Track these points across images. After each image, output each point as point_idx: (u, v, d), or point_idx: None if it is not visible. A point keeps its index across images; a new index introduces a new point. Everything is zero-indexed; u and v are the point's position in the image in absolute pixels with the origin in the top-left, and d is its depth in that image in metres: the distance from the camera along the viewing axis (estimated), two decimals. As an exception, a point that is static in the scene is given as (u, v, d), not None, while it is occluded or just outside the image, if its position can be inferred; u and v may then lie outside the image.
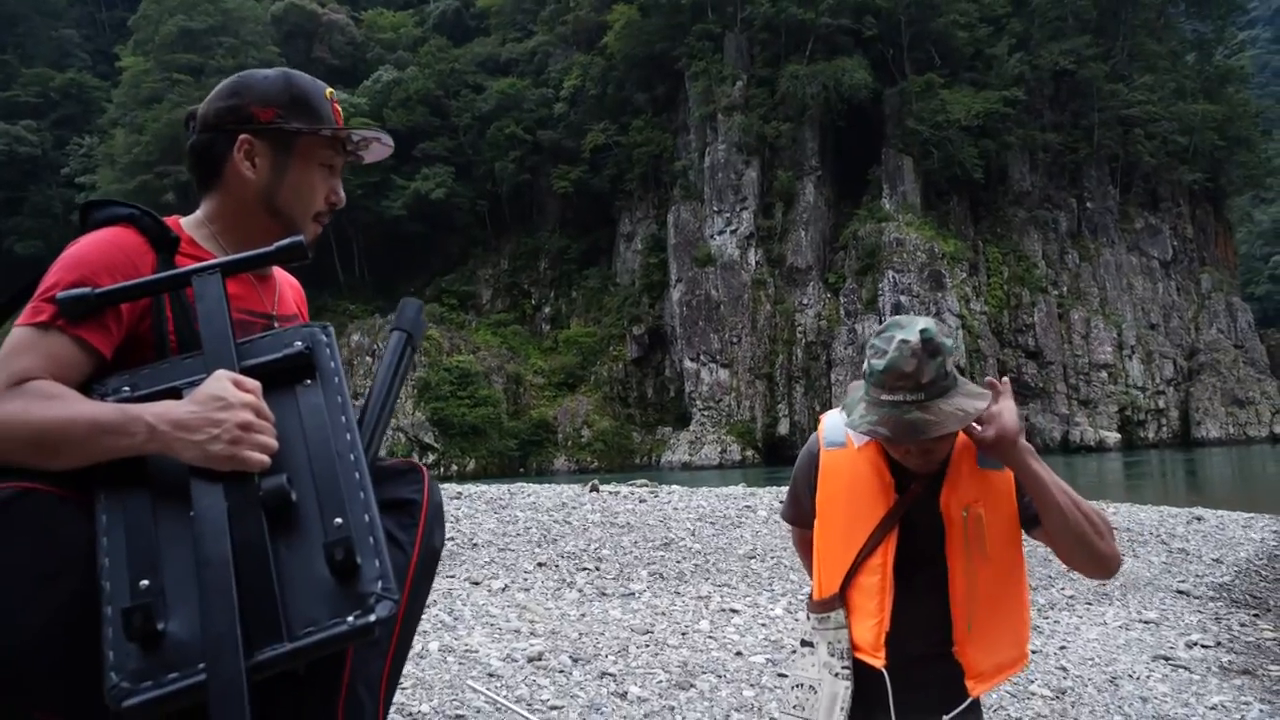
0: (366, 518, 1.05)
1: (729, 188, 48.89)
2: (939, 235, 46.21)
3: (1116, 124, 49.58)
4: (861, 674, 1.88)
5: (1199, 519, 13.21)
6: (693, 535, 8.65)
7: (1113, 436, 44.42)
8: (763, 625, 5.98)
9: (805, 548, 2.13)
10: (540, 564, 7.10)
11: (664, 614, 6.02)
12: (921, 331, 1.69)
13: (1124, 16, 51.37)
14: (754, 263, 48.30)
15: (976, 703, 1.91)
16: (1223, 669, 6.13)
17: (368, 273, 55.68)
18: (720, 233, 48.59)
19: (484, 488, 11.96)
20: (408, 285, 52.86)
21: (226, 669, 0.93)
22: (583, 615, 5.78)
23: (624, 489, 12.09)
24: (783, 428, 46.23)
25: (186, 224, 1.40)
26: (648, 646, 5.17)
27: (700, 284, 47.78)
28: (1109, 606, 7.96)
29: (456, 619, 5.33)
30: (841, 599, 1.89)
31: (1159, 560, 10.08)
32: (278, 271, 1.52)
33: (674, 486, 13.33)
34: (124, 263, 1.24)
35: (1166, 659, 6.26)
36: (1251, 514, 14.40)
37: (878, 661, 1.84)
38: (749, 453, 44.42)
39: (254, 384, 1.12)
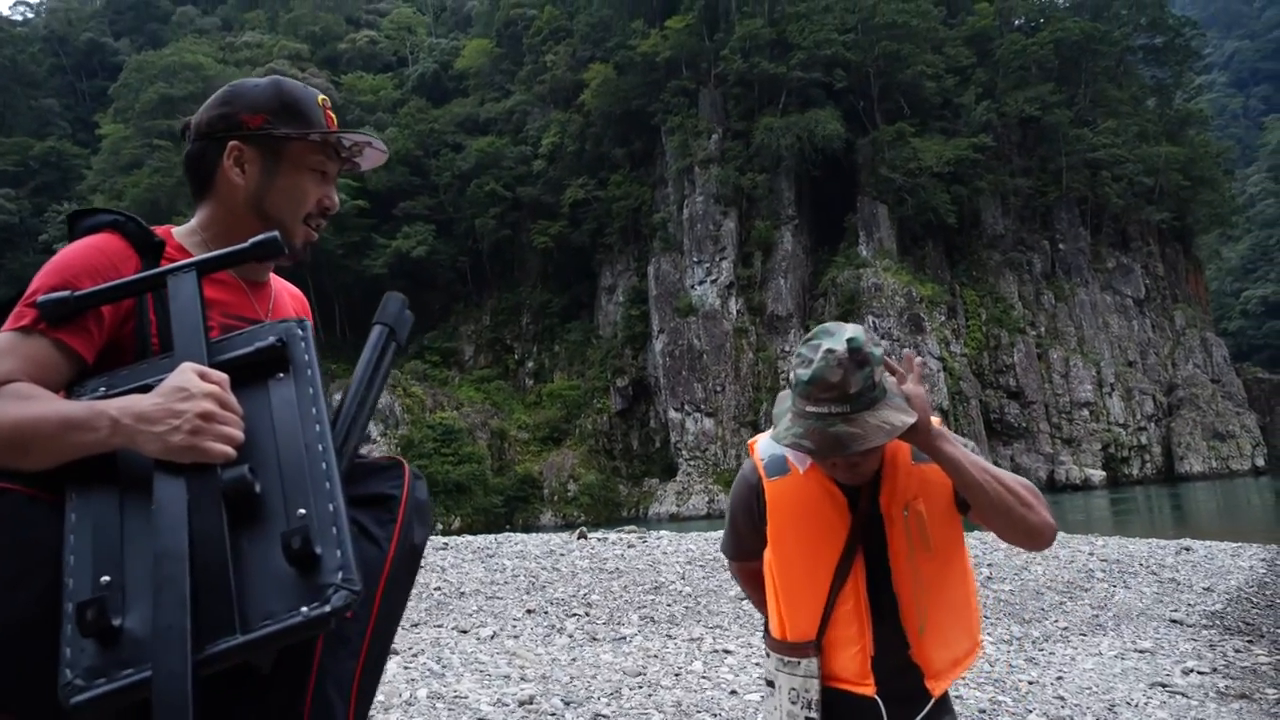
0: (331, 507, 1.02)
1: (708, 238, 49.48)
2: (916, 279, 46.84)
3: (1083, 167, 50.85)
4: (841, 709, 1.78)
5: (1188, 549, 13.23)
6: (683, 578, 8.56)
7: (1098, 474, 44.58)
8: (756, 664, 5.89)
9: (752, 581, 2.02)
10: (529, 610, 6.99)
11: (656, 656, 5.92)
12: (849, 341, 1.63)
13: (1084, 64, 53.04)
14: (735, 311, 48.66)
15: (946, 699, 1.86)
16: (1220, 694, 6.08)
17: (349, 332, 55.60)
18: (701, 283, 49.03)
19: (471, 538, 11.81)
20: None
21: (172, 661, 0.90)
22: (574, 659, 5.68)
23: (612, 535, 11.98)
24: (769, 475, 46.03)
25: (178, 233, 1.40)
26: (641, 688, 5.08)
27: (682, 334, 48.02)
28: (1103, 637, 7.92)
29: (445, 666, 5.22)
30: (817, 645, 1.78)
31: (1150, 590, 10.06)
32: (277, 281, 1.52)
33: (662, 531, 13.22)
34: (106, 267, 1.24)
35: (1164, 686, 6.21)
36: (1239, 543, 14.43)
37: (867, 689, 1.76)
38: (737, 501, 44.15)
39: (220, 376, 1.10)
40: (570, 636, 6.32)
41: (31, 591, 1.02)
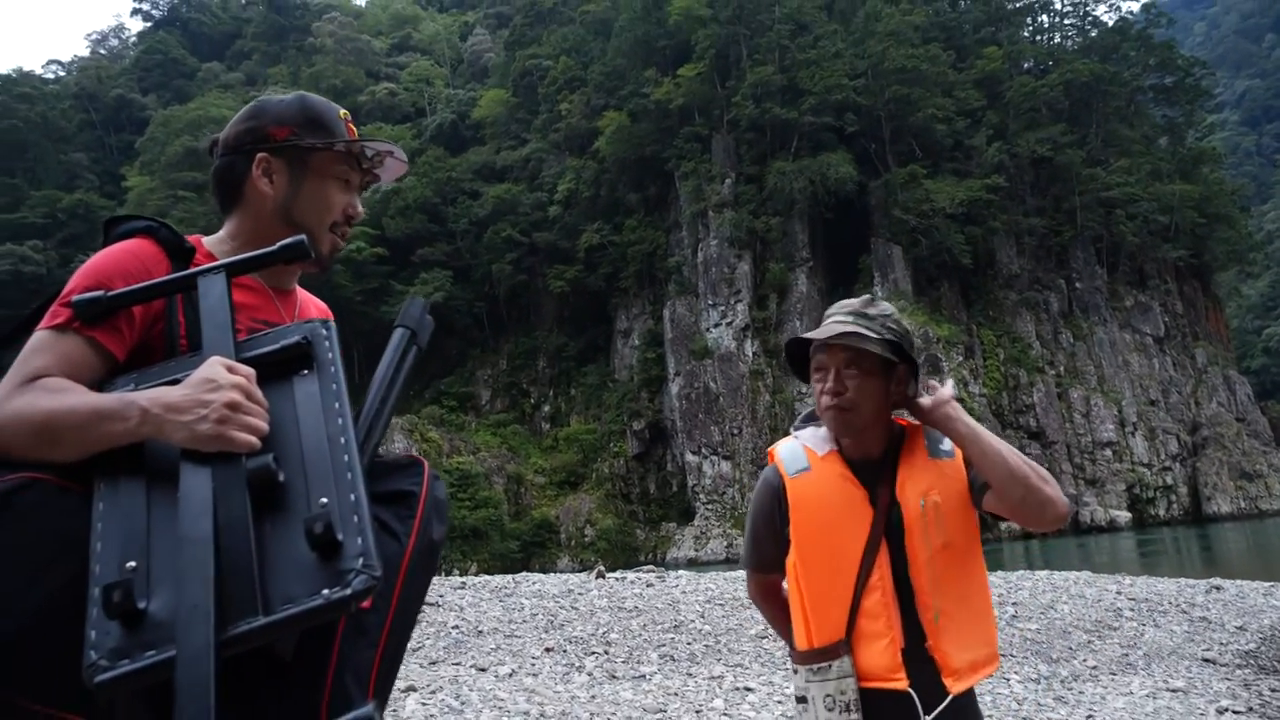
0: (352, 497, 1.04)
1: (723, 281, 49.71)
2: (932, 320, 46.73)
3: (1097, 206, 50.86)
4: (873, 707, 1.76)
5: (1218, 588, 12.94)
6: (702, 617, 8.46)
7: (1124, 515, 43.82)
8: (778, 703, 5.79)
9: (770, 596, 2.04)
10: (548, 649, 6.92)
11: (676, 694, 5.84)
12: (880, 298, 1.96)
13: (1095, 105, 53.39)
14: (751, 354, 48.65)
15: (971, 703, 1.83)
16: (1257, 732, 5.92)
17: (367, 376, 55.83)
18: (716, 325, 49.13)
19: (488, 578, 11.73)
20: (406, 388, 53.02)
21: (195, 640, 0.92)
22: (593, 697, 5.61)
23: (630, 574, 11.86)
24: (788, 518, 45.59)
25: (208, 242, 1.45)
26: (661, 725, 5.00)
27: (698, 377, 47.99)
28: (1134, 676, 7.74)
29: (464, 703, 5.17)
30: (848, 644, 1.78)
31: (1181, 629, 9.83)
32: (303, 293, 1.56)
33: (681, 571, 13.08)
34: (138, 269, 1.28)
35: (1198, 724, 6.05)
36: (1272, 583, 14.10)
37: (899, 684, 1.74)
38: (755, 545, 43.66)
39: (247, 369, 1.14)
40: (589, 674, 6.25)
41: (60, 578, 1.04)
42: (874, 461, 1.88)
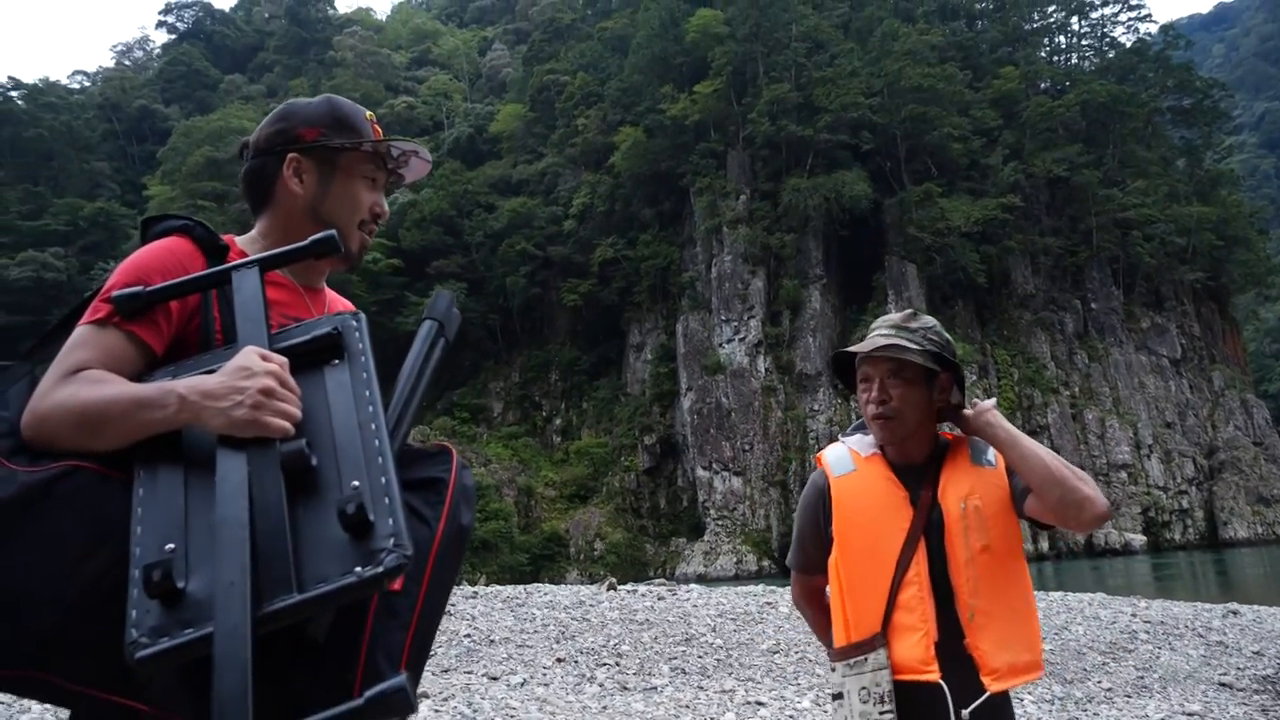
0: (383, 480, 1.07)
1: (736, 297, 49.71)
2: (946, 339, 46.51)
3: (1114, 227, 50.63)
4: (909, 700, 1.81)
5: (1235, 613, 12.80)
6: (714, 631, 8.44)
7: (1138, 539, 43.35)
8: (790, 717, 5.77)
9: (813, 599, 2.11)
10: (559, 659, 6.92)
11: (688, 707, 5.83)
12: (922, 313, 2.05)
13: (1112, 126, 53.25)
14: (763, 370, 48.57)
15: (1006, 698, 1.87)
16: (1275, 757, 5.85)
17: (383, 386, 56.17)
18: (729, 341, 49.10)
19: (500, 588, 11.74)
20: (435, 380, 53.25)
21: (232, 617, 0.95)
22: (604, 708, 5.61)
23: (642, 587, 11.84)
24: (799, 536, 45.35)
25: (240, 241, 1.49)
26: (673, 736, 5.00)
27: (710, 392, 47.92)
28: (1149, 699, 7.67)
29: (476, 711, 5.18)
30: (883, 637, 1.84)
31: (1197, 653, 9.73)
32: (331, 292, 1.60)
33: (692, 585, 13.05)
34: (175, 266, 1.32)
35: (1215, 748, 5.99)
36: (1289, 608, 13.93)
37: (932, 675, 1.80)
38: (765, 563, 43.44)
39: (280, 358, 1.17)
40: (601, 685, 6.25)
41: (102, 562, 1.07)
42: (917, 466, 1.97)
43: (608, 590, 11.04)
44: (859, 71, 51.75)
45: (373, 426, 1.13)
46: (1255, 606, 13.87)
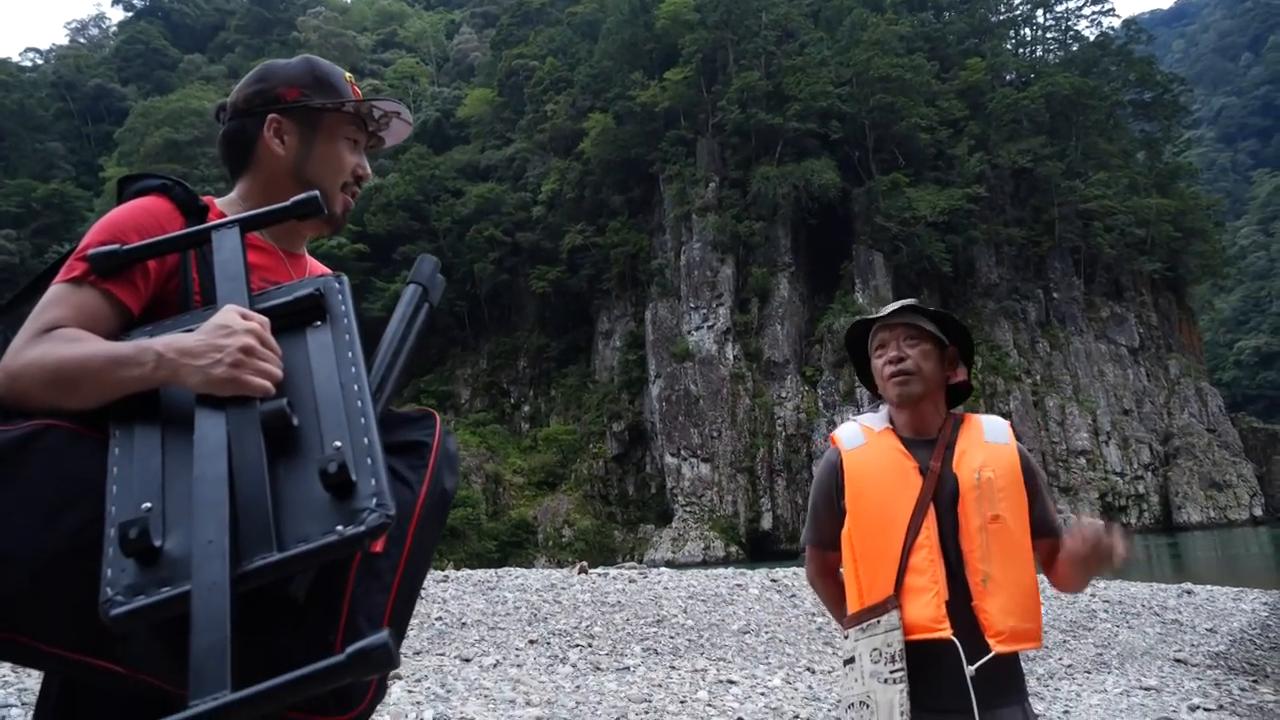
0: (366, 440, 1.05)
1: (705, 285, 49.82)
2: (912, 327, 47.04)
3: (1076, 218, 51.50)
4: (920, 659, 1.86)
5: (1189, 593, 13.17)
6: (685, 612, 8.50)
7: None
8: (761, 694, 5.85)
9: (828, 575, 2.17)
10: (531, 641, 6.93)
11: (660, 685, 5.88)
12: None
13: (1075, 118, 54.05)
14: (732, 357, 48.78)
15: (1016, 667, 1.94)
16: (1228, 728, 6.04)
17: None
18: (698, 328, 49.22)
19: (471, 572, 11.71)
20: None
21: (211, 574, 0.93)
22: (578, 687, 5.64)
23: (613, 571, 11.88)
24: (765, 522, 45.77)
25: (220, 203, 1.46)
26: (647, 714, 5.04)
27: (679, 379, 48.04)
28: (1108, 675, 7.87)
29: (450, 691, 5.17)
30: (896, 599, 1.90)
31: (1154, 631, 10.01)
32: (313, 260, 1.57)
33: (663, 569, 13.12)
34: (152, 225, 1.29)
35: (1171, 720, 6.17)
36: (1240, 588, 14.37)
37: (944, 632, 1.86)
38: (733, 548, 43.77)
39: (261, 317, 1.15)
40: (574, 666, 6.28)
41: (75, 522, 1.04)
42: (927, 440, 2.04)
43: (579, 574, 11.06)
44: (828, 61, 51.95)
45: (355, 387, 1.11)
46: (1208, 587, 14.30)
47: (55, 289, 1.23)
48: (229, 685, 0.87)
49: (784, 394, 47.92)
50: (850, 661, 1.95)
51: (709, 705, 5.35)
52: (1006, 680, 1.91)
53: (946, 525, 1.93)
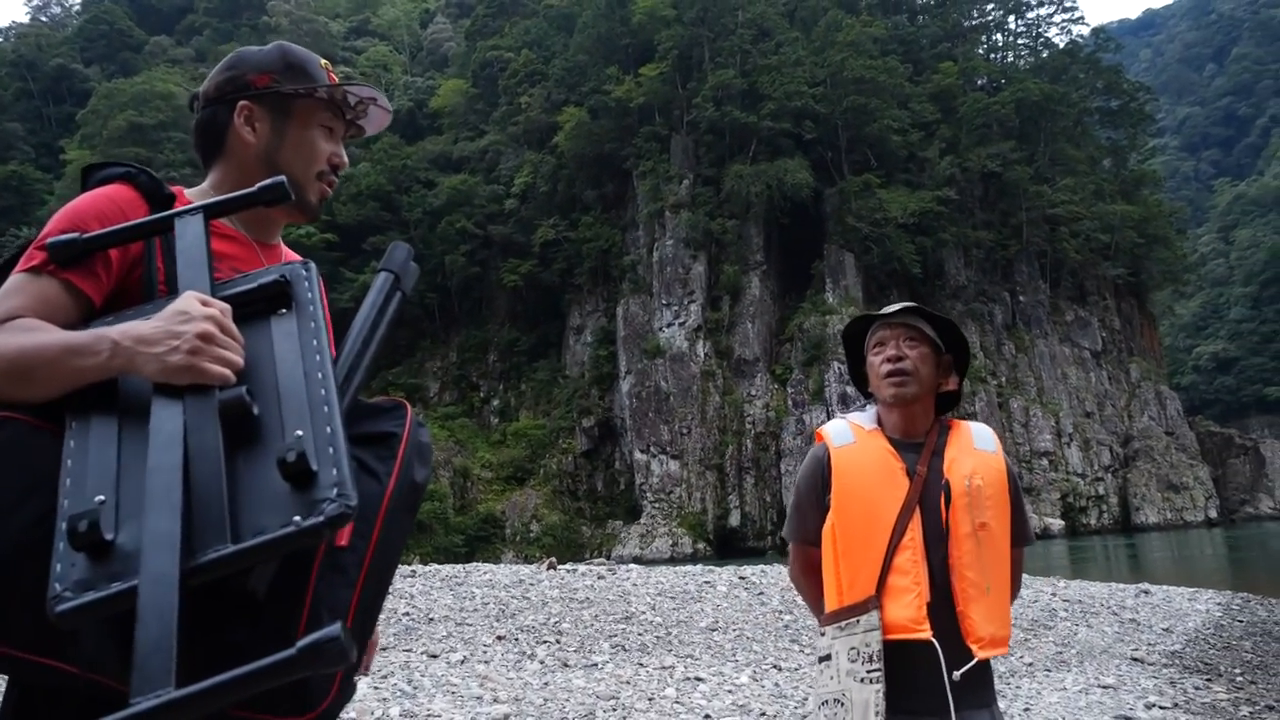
0: (328, 429, 1.02)
1: (677, 282, 49.89)
2: (881, 327, 47.47)
3: (1043, 222, 52.31)
4: (897, 660, 1.87)
5: (1146, 593, 13.44)
6: (653, 609, 8.52)
7: (1057, 523, 45.12)
8: (729, 692, 5.87)
9: (811, 572, 2.14)
10: (499, 637, 6.90)
11: (629, 682, 5.88)
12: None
13: (1044, 124, 54.87)
14: (702, 354, 48.91)
15: (989, 673, 1.96)
16: (1183, 727, 6.16)
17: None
18: (669, 325, 49.28)
19: (438, 567, 11.64)
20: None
21: (160, 565, 0.90)
22: (546, 684, 5.62)
23: (581, 567, 11.88)
24: (734, 519, 46.00)
25: (190, 193, 1.42)
26: (615, 711, 5.04)
27: (650, 376, 48.08)
28: (1067, 673, 8.00)
29: (416, 688, 5.14)
30: (877, 599, 1.90)
31: (1112, 630, 10.20)
32: (288, 251, 1.53)
33: (631, 565, 13.13)
34: (115, 213, 1.26)
35: (1128, 719, 6.29)
36: (1196, 589, 14.70)
37: (924, 634, 1.86)
38: (700, 545, 43.94)
39: (221, 304, 1.12)
40: (541, 663, 6.26)
41: (28, 516, 1.02)
42: (915, 442, 2.04)
43: (547, 569, 11.04)
44: (803, 61, 52.20)
45: (319, 375, 1.08)
46: (1165, 587, 14.60)
47: (14, 279, 1.20)
48: (173, 682, 0.84)
49: (754, 392, 48.17)
50: (826, 659, 1.95)
51: (677, 703, 5.36)
52: (980, 684, 1.93)
53: (930, 529, 1.94)
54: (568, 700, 5.21)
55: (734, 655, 7.03)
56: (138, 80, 63.01)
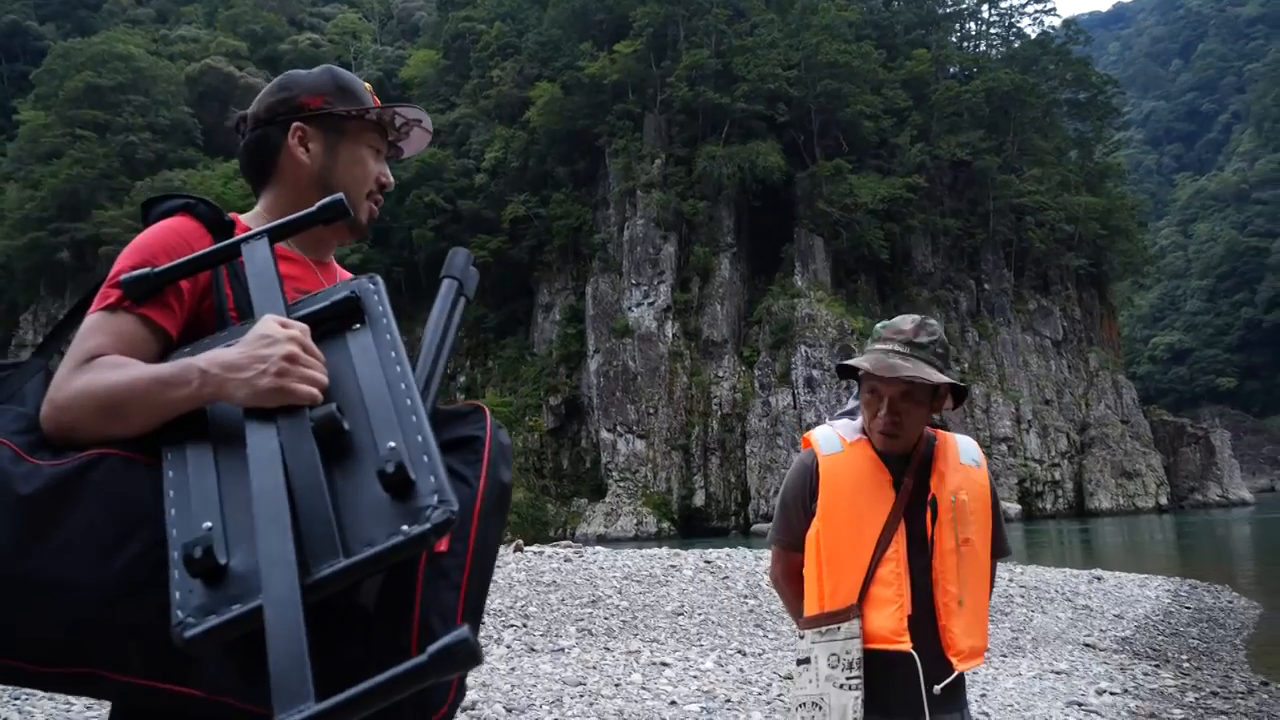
0: (419, 437, 1.04)
1: (647, 261, 49.83)
2: (848, 312, 47.95)
3: (1009, 211, 52.96)
4: (876, 669, 1.90)
5: (1099, 579, 13.80)
6: (619, 593, 8.57)
7: (1014, 508, 46.07)
8: (694, 677, 5.94)
9: (793, 577, 2.16)
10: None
11: (595, 668, 5.92)
12: (927, 318, 2.10)
13: (1013, 114, 55.40)
14: (671, 335, 49.01)
15: (961, 678, 2.00)
16: (1131, 714, 6.36)
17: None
18: (638, 305, 49.27)
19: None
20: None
21: (281, 586, 0.92)
22: (512, 669, 5.64)
23: (548, 549, 11.90)
24: (698, 499, 46.35)
25: (245, 218, 1.46)
26: (582, 697, 5.08)
27: (618, 355, 48.11)
28: (1022, 659, 8.20)
29: (382, 672, 5.12)
30: (859, 608, 1.93)
31: (1066, 616, 10.46)
32: (342, 270, 1.58)
33: (598, 548, 13.19)
34: (180, 245, 1.30)
35: (1080, 705, 6.47)
36: (1146, 575, 15.13)
37: (904, 645, 1.89)
38: (665, 524, 44.27)
39: (300, 324, 1.15)
40: (508, 647, 6.28)
41: (137, 548, 1.05)
42: (902, 454, 2.05)
43: (514, 552, 11.05)
44: (778, 43, 52.10)
45: (402, 386, 1.10)
46: (1116, 573, 15.01)
47: (92, 318, 1.24)
48: (312, 696, 0.86)
49: (721, 373, 48.41)
50: (805, 662, 1.98)
51: (643, 689, 5.41)
52: (955, 692, 1.98)
53: (914, 542, 1.96)
54: (535, 686, 5.24)
55: (699, 640, 7.11)
56: (96, 40, 61.18)
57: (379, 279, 1.27)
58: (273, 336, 1.11)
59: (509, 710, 4.57)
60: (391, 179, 1.55)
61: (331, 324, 1.20)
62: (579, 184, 54.65)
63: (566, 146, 53.78)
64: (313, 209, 1.27)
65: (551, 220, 52.73)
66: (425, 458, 1.02)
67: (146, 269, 1.23)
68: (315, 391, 1.09)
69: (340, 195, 1.26)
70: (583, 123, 52.44)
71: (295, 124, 1.46)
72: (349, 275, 1.53)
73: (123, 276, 1.23)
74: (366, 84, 1.54)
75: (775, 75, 50.05)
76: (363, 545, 0.97)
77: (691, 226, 50.33)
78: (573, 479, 49.66)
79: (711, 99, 50.01)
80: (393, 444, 1.03)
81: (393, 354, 1.15)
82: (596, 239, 51.76)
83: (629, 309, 49.19)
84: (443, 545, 1.10)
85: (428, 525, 0.97)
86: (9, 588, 1.02)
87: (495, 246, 52.93)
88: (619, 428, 47.06)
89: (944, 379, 1.99)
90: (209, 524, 1.00)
